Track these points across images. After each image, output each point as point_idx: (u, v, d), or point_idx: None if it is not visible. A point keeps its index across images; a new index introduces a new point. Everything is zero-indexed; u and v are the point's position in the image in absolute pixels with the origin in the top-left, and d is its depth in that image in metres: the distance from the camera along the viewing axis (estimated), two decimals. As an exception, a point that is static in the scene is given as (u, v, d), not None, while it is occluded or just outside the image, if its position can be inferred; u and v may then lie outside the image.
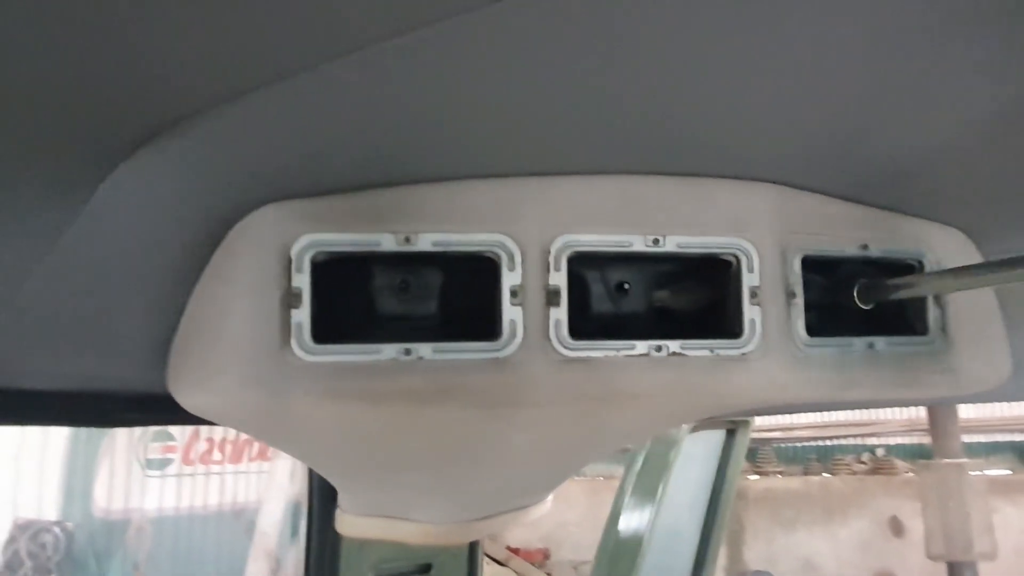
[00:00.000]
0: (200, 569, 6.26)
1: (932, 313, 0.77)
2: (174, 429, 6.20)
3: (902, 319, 0.78)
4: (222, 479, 6.61)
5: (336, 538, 1.11)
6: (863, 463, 8.61)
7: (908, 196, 0.75)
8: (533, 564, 7.88)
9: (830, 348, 0.73)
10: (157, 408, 0.78)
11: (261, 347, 0.65)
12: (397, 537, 0.94)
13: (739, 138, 0.63)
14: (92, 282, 0.62)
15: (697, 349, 0.70)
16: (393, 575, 1.19)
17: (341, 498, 0.97)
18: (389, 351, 0.66)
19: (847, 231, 0.74)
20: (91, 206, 0.51)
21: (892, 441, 8.83)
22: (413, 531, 0.91)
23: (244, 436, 7.00)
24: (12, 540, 4.59)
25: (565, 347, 0.68)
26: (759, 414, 0.94)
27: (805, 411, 0.78)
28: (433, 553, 1.22)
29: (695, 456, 2.83)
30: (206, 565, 6.31)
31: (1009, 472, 8.39)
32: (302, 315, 0.65)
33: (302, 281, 0.65)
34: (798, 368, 0.71)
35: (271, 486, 5.64)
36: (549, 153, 0.65)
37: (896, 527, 7.86)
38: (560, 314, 0.68)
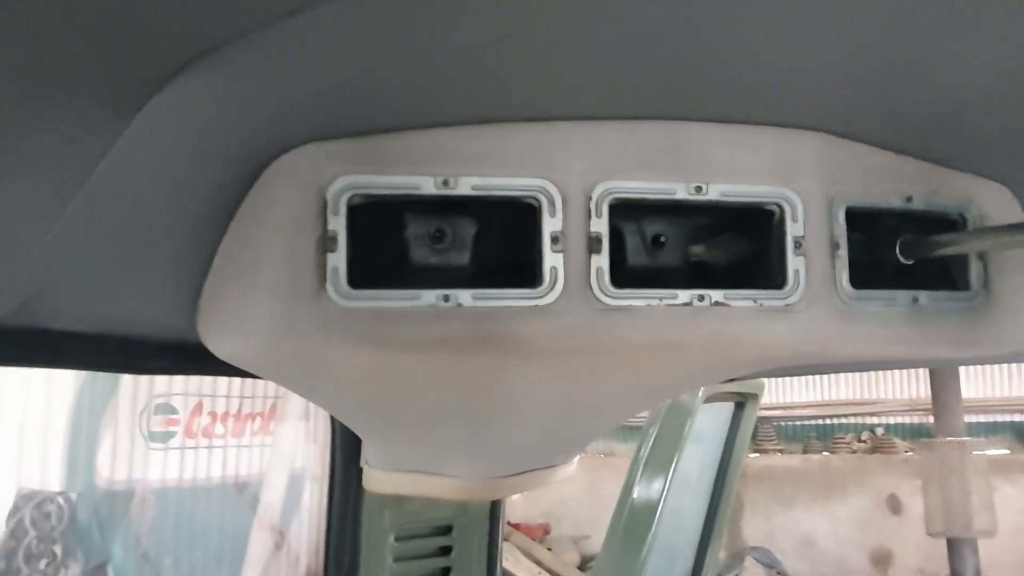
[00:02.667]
0: (203, 541, 6.29)
1: (975, 269, 0.75)
2: (177, 402, 6.22)
3: (943, 276, 0.76)
4: (224, 453, 6.63)
5: (357, 500, 1.10)
6: (863, 442, 8.65)
7: (954, 149, 0.73)
8: (533, 539, 7.94)
9: (874, 302, 0.71)
10: (187, 357, 0.77)
11: (296, 292, 0.63)
12: (426, 492, 0.93)
13: (785, 84, 0.61)
14: (124, 220, 0.60)
15: (740, 299, 0.68)
16: (414, 537, 1.19)
17: (368, 453, 0.96)
18: (428, 297, 0.64)
19: (892, 183, 0.73)
20: (127, 136, 0.49)
21: (892, 420, 8.87)
22: (443, 486, 0.90)
23: (246, 410, 7.02)
24: (16, 510, 4.61)
25: (607, 295, 0.66)
26: (799, 373, 0.93)
27: (847, 370, 0.76)
28: (454, 515, 1.22)
29: (703, 430, 2.83)
30: (209, 537, 6.34)
31: (1007, 452, 8.43)
32: (338, 259, 0.64)
33: (338, 224, 0.63)
34: (842, 321, 0.70)
35: (275, 459, 5.65)
36: (591, 97, 0.63)
37: (894, 505, 7.92)
38: (601, 261, 0.66)
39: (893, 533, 7.82)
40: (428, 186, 0.65)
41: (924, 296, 0.73)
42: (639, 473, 1.87)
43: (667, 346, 0.68)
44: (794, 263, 0.68)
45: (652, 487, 1.87)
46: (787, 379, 8.99)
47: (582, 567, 7.77)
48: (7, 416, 4.78)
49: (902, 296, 0.72)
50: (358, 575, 1.13)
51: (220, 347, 0.68)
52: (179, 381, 6.19)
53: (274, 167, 0.63)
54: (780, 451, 8.63)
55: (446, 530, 1.22)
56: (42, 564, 4.62)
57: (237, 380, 6.77)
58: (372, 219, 0.66)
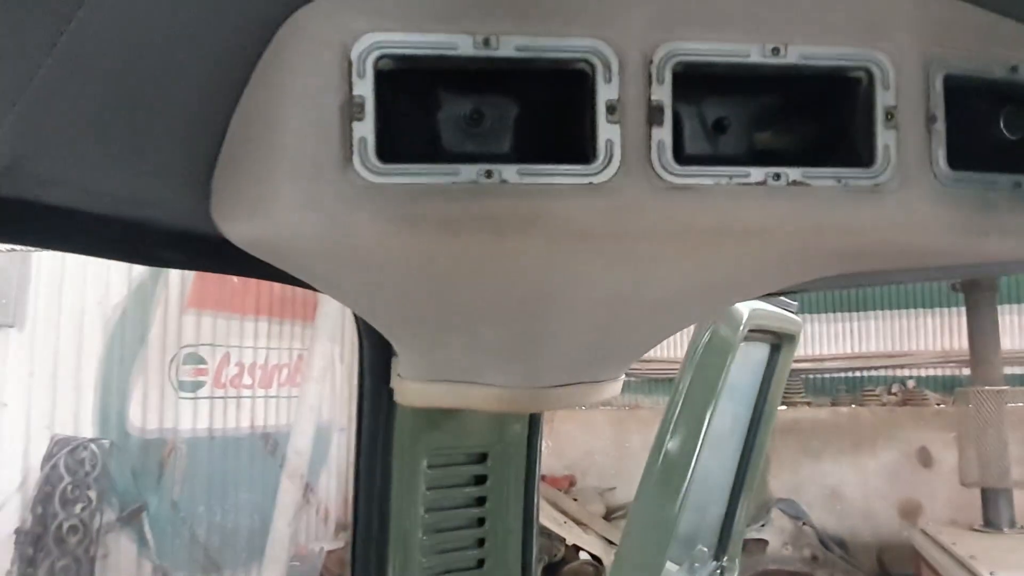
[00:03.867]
0: (233, 490, 6.40)
1: None
2: (205, 352, 6.27)
3: None
4: (252, 403, 6.71)
5: (388, 424, 1.04)
6: (893, 394, 8.54)
7: None
8: (559, 490, 7.98)
9: (974, 184, 0.62)
10: (201, 250, 0.70)
11: (319, 165, 0.56)
12: (463, 404, 0.86)
13: None
14: (119, 74, 0.53)
15: (822, 178, 0.60)
16: (447, 464, 1.13)
17: (401, 363, 0.90)
18: (468, 172, 0.57)
19: (996, 48, 0.63)
20: None
21: (924, 373, 8.73)
22: (482, 396, 0.83)
23: (272, 362, 7.07)
24: (51, 456, 4.68)
25: (669, 172, 0.58)
26: (882, 276, 0.83)
27: (938, 263, 0.67)
28: (489, 443, 1.16)
29: (735, 374, 2.75)
30: (239, 486, 6.45)
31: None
32: (365, 129, 0.56)
33: (365, 88, 0.56)
34: (938, 204, 0.61)
35: (302, 409, 5.69)
36: None
37: (925, 458, 7.83)
38: (663, 134, 0.58)
39: (923, 486, 7.75)
40: (466, 46, 0.57)
41: None
42: (675, 414, 1.81)
43: (737, 231, 0.61)
44: (884, 137, 0.60)
45: (688, 429, 1.81)
46: (815, 332, 8.87)
47: (607, 517, 7.81)
48: (40, 363, 4.84)
49: (1004, 179, 0.64)
50: (390, 503, 1.08)
51: (236, 231, 0.61)
52: (207, 331, 6.24)
53: (291, 22, 0.56)
54: (808, 404, 8.54)
55: (481, 458, 1.16)
56: (77, 508, 4.72)
57: (264, 330, 6.81)
58: (399, 98, 0.58)
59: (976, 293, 6.17)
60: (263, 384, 6.85)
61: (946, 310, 8.61)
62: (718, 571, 2.84)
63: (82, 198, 0.60)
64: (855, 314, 8.97)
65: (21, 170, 0.54)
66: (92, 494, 4.80)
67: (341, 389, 7.52)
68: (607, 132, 0.58)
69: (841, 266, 0.68)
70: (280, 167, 0.57)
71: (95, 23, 0.46)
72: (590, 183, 0.58)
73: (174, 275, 5.88)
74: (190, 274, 6.01)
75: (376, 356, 1.00)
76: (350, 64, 0.56)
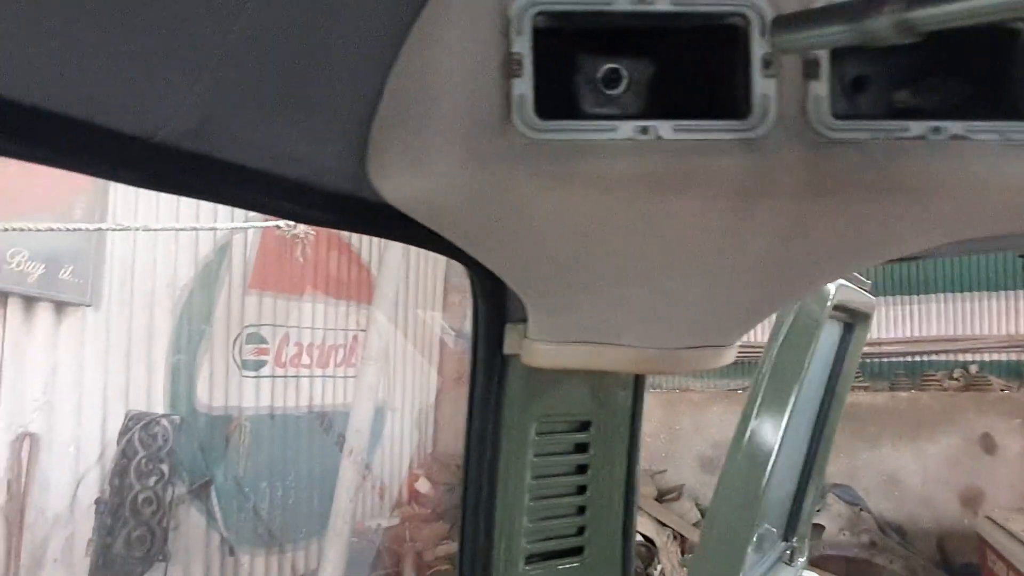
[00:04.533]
0: (294, 467, 6.56)
1: None
2: (266, 332, 6.41)
3: None
4: (311, 383, 6.84)
5: (500, 390, 1.07)
6: (955, 379, 8.32)
7: None
8: (611, 472, 7.98)
9: None
10: (354, 211, 0.73)
11: (479, 122, 0.58)
12: (595, 365, 0.88)
13: None
14: (294, 34, 0.55)
15: (984, 132, 0.59)
16: (553, 432, 1.16)
17: (532, 325, 0.92)
18: (624, 129, 0.58)
19: None
20: None
21: (987, 357, 8.48)
22: (617, 357, 0.85)
23: (329, 343, 7.19)
24: (126, 430, 4.86)
25: (826, 126, 0.59)
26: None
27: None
28: (593, 411, 1.18)
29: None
30: (300, 463, 6.60)
31: (1114, 391, 7.99)
32: (524, 85, 0.58)
33: (523, 45, 0.58)
34: None
35: (361, 389, 5.79)
36: None
37: (988, 444, 7.63)
38: (820, 88, 0.59)
39: (985, 473, 7.56)
40: (622, 1, 0.58)
41: None
42: (760, 392, 1.80)
43: (894, 188, 0.61)
44: None
45: (774, 408, 1.80)
46: (874, 315, 8.66)
47: (658, 499, 7.80)
48: (114, 342, 5.01)
49: None
50: (498, 468, 1.11)
51: (393, 189, 0.64)
52: (268, 312, 6.36)
53: None
54: (865, 388, 8.38)
55: (584, 426, 1.19)
56: (151, 481, 4.89)
57: (321, 311, 6.93)
58: (543, 57, 0.60)
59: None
60: (320, 364, 6.98)
61: (1012, 293, 8.34)
62: (788, 551, 2.83)
63: (252, 156, 0.63)
64: (915, 297, 8.74)
65: (209, 128, 0.57)
66: (164, 467, 4.97)
67: (394, 371, 7.63)
68: (763, 87, 0.59)
69: (995, 225, 0.68)
70: (440, 125, 0.60)
71: None
72: (746, 138, 0.59)
73: (237, 256, 6.02)
74: (252, 255, 6.15)
75: (491, 324, 1.02)
76: (508, 21, 0.58)
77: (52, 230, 3.76)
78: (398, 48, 0.61)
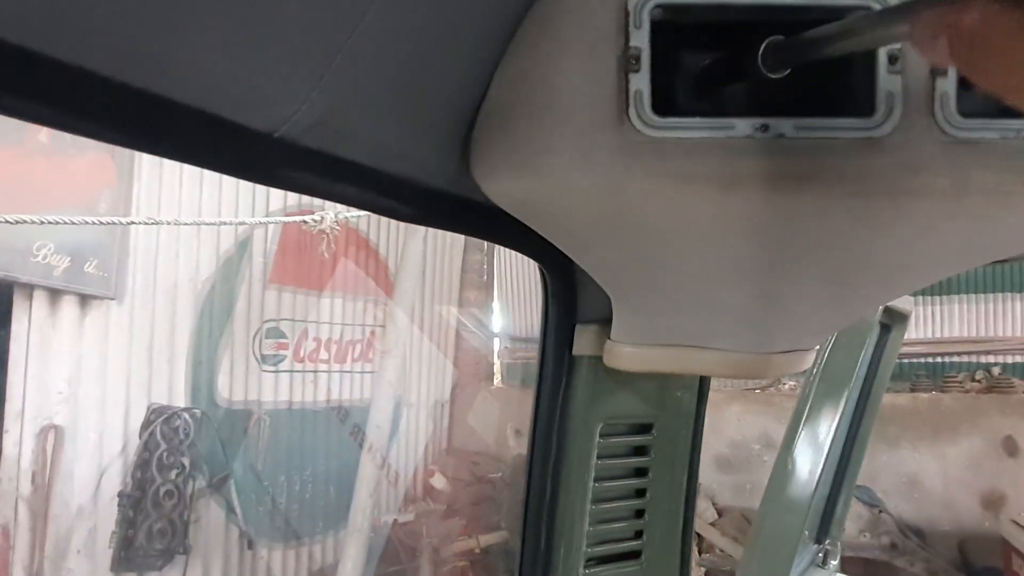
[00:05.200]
0: (311, 461, 6.58)
1: None
2: (285, 327, 6.43)
3: None
4: (329, 377, 6.86)
5: (568, 390, 1.05)
6: (977, 381, 8.24)
7: None
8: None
9: None
10: (454, 210, 0.71)
11: (594, 118, 0.56)
12: (684, 368, 0.86)
13: None
14: (408, 34, 0.54)
15: None
16: (617, 434, 1.13)
17: (617, 328, 0.89)
18: (744, 126, 0.56)
19: None
20: None
21: (1010, 359, 8.40)
22: (708, 361, 0.83)
23: (347, 338, 7.20)
24: (148, 423, 4.88)
25: (953, 125, 0.56)
26: None
27: None
28: (655, 414, 1.15)
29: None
30: (317, 457, 6.62)
31: None
32: (642, 81, 0.55)
33: (641, 40, 0.55)
34: None
35: (380, 384, 5.79)
36: None
37: (1010, 447, 7.55)
38: (948, 85, 0.56)
39: (1008, 475, 7.48)
40: None
41: None
42: (811, 393, 1.77)
43: (1019, 190, 0.58)
44: None
45: (824, 413, 1.77)
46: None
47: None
48: (137, 336, 5.03)
49: None
50: (563, 469, 1.09)
51: (500, 188, 0.62)
52: (287, 307, 6.38)
53: None
54: (886, 389, 8.32)
55: (645, 429, 1.16)
56: (172, 474, 4.91)
57: (339, 306, 6.94)
58: (659, 51, 0.58)
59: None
60: (338, 359, 7.00)
61: (1036, 294, 8.26)
62: (821, 554, 2.80)
63: (364, 152, 0.62)
64: (937, 298, 8.67)
65: (328, 125, 0.55)
66: (186, 461, 4.99)
67: (410, 366, 7.63)
68: (888, 83, 0.57)
69: None
70: (554, 122, 0.57)
71: None
72: (871, 137, 0.57)
73: (257, 251, 6.03)
74: (272, 249, 6.16)
75: (561, 324, 1.00)
76: (627, 14, 0.56)
77: (75, 223, 3.76)
78: (504, 46, 0.59)
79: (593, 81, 0.56)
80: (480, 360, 8.87)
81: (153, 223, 4.50)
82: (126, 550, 4.71)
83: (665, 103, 0.57)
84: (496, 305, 8.80)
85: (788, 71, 0.57)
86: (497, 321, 9.03)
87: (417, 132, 0.63)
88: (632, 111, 0.55)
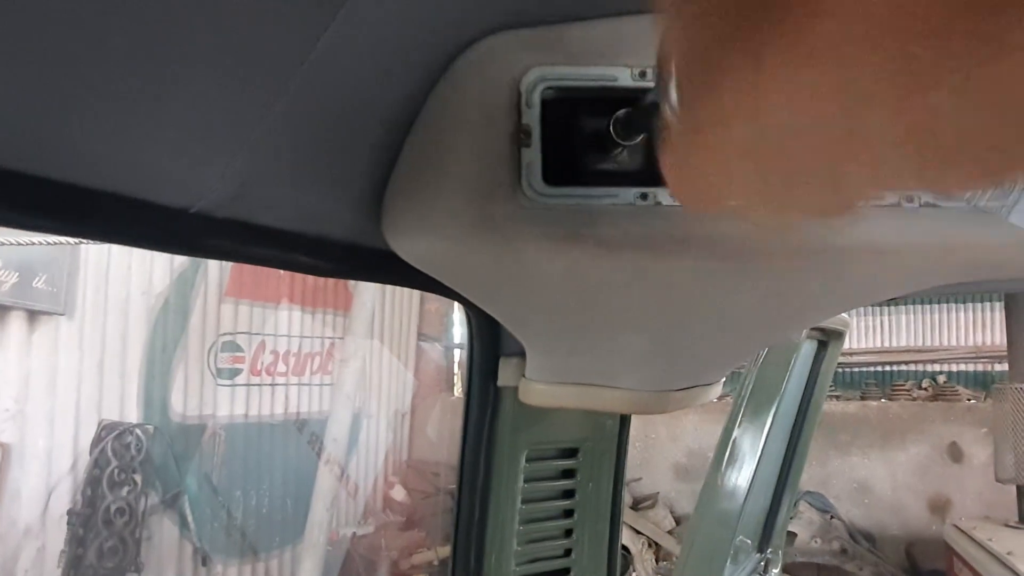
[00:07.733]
0: (268, 475, 6.52)
1: None
2: (242, 340, 6.37)
3: None
4: (286, 390, 6.81)
5: (493, 419, 1.09)
6: (924, 389, 8.49)
7: None
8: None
9: None
10: (371, 262, 0.76)
11: (490, 188, 0.61)
12: (595, 405, 0.91)
13: None
14: (328, 108, 0.58)
15: (952, 200, 0.64)
16: (542, 459, 1.19)
17: (531, 366, 0.95)
18: (626, 195, 0.61)
19: None
20: (337, 23, 0.48)
21: (955, 368, 8.67)
22: (612, 399, 0.88)
23: (306, 350, 7.16)
24: (99, 440, 4.81)
25: None
26: (1007, 288, 0.88)
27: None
28: (581, 439, 1.21)
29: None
30: (275, 472, 6.57)
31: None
32: (532, 154, 0.61)
33: (532, 118, 0.61)
34: None
35: (339, 397, 5.78)
36: None
37: (955, 453, 7.79)
38: None
39: (953, 481, 7.71)
40: (625, 78, 0.61)
41: None
42: (741, 409, 1.85)
43: (872, 250, 0.65)
44: None
45: (754, 425, 1.85)
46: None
47: (634, 507, 7.86)
48: (88, 351, 4.96)
49: None
50: (490, 493, 1.14)
51: (408, 247, 0.66)
52: (244, 320, 6.33)
53: (464, 58, 0.61)
54: (836, 397, 8.52)
55: (572, 453, 1.22)
56: (124, 492, 4.84)
57: (297, 319, 6.90)
58: (549, 123, 0.63)
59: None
60: (296, 372, 6.96)
61: (979, 305, 8.54)
62: (762, 563, 2.88)
63: (282, 218, 0.66)
64: (885, 308, 8.92)
65: (245, 197, 0.59)
66: (138, 478, 4.92)
67: (370, 378, 7.62)
68: None
69: (964, 276, 0.72)
70: (455, 189, 0.62)
71: (322, 63, 0.51)
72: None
73: (213, 264, 5.98)
74: (228, 263, 6.12)
75: (485, 357, 1.05)
76: (519, 95, 0.61)
77: (30, 244, 3.72)
78: (413, 118, 0.64)
79: (490, 153, 0.61)
80: (440, 371, 8.88)
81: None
82: (76, 569, 4.63)
83: (558, 171, 0.62)
84: (456, 316, 8.82)
85: (641, 137, 0.62)
86: (457, 332, 9.05)
87: (335, 196, 0.67)
88: (524, 181, 0.60)
